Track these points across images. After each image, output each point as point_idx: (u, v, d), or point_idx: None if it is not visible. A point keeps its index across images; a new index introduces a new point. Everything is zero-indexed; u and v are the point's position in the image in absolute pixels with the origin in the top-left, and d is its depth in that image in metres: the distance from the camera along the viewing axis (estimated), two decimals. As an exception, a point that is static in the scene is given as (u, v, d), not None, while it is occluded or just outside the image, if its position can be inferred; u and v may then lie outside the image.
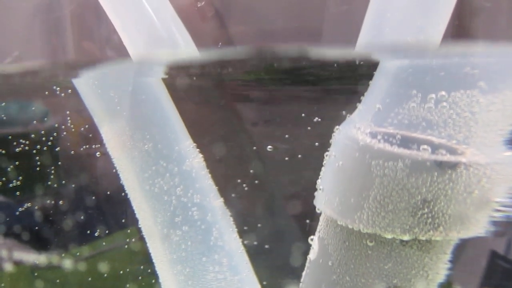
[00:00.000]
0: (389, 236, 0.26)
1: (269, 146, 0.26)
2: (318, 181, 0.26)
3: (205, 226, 0.26)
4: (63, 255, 0.29)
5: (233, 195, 0.26)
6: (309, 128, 0.25)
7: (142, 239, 0.27)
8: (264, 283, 0.27)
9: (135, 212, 0.27)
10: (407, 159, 0.24)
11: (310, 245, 0.27)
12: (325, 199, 0.26)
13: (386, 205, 0.25)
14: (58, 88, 0.28)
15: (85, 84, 0.27)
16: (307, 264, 0.27)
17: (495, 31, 0.27)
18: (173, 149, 0.26)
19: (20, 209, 0.29)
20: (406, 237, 0.26)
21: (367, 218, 0.25)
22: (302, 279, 0.27)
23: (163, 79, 0.27)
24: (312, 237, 0.27)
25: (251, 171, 0.26)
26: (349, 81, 0.26)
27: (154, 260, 0.27)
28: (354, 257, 0.26)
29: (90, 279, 0.29)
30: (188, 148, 0.26)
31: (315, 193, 0.26)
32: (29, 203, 0.29)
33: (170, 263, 0.27)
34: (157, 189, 0.26)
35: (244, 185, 0.26)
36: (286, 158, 0.26)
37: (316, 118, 0.25)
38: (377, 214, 0.25)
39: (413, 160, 0.24)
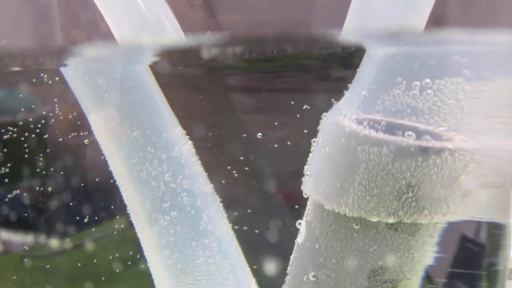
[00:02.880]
0: (374, 219, 0.26)
1: (259, 134, 0.26)
2: (306, 167, 0.26)
3: (195, 212, 0.27)
4: (52, 242, 0.29)
5: (223, 181, 0.27)
6: (298, 115, 0.26)
7: (131, 225, 0.27)
8: (254, 267, 0.27)
9: (124, 198, 0.27)
10: (392, 144, 0.25)
11: (298, 229, 0.27)
12: (312, 184, 0.26)
13: (371, 190, 0.26)
14: (45, 76, 0.28)
15: (72, 71, 0.27)
16: (295, 248, 0.27)
17: (476, 18, 0.28)
18: (161, 136, 0.26)
19: (8, 196, 0.29)
20: (391, 220, 0.26)
21: (352, 202, 0.26)
22: (290, 263, 0.28)
23: (151, 66, 0.27)
24: (300, 221, 0.27)
25: (241, 158, 0.26)
26: (338, 69, 0.26)
27: (142, 245, 0.27)
28: (340, 240, 0.27)
29: (79, 264, 0.29)
30: (177, 135, 0.27)
31: (303, 179, 0.26)
32: (18, 191, 0.29)
33: (158, 248, 0.27)
34: (144, 175, 0.26)
35: (234, 171, 0.26)
36: (276, 145, 0.26)
37: (305, 105, 0.25)
38: (362, 198, 0.26)
39: (397, 146, 0.25)
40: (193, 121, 0.27)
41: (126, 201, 0.27)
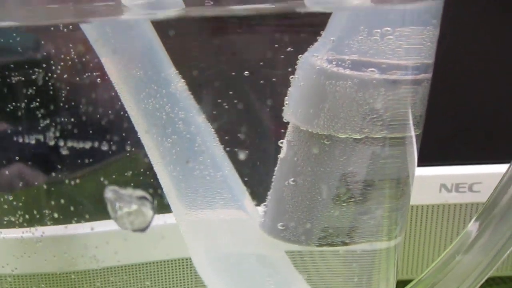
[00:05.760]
0: (342, 136, 0.32)
1: (246, 72, 0.31)
2: (286, 97, 0.31)
3: (190, 136, 0.32)
4: (72, 174, 0.34)
5: (214, 112, 0.32)
6: (282, 56, 0.30)
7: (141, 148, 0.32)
8: (245, 179, 0.33)
9: (135, 127, 0.32)
10: (355, 78, 0.30)
11: (280, 147, 0.33)
12: (290, 111, 0.32)
13: (338, 114, 0.31)
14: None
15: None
16: (278, 162, 0.33)
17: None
18: (160, 75, 0.31)
19: (24, 137, 0.33)
20: (357, 136, 0.32)
21: (323, 123, 0.32)
22: (274, 173, 0.33)
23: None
24: (282, 141, 0.33)
25: (230, 92, 0.31)
26: (312, 23, 0.31)
27: (152, 163, 0.33)
28: (314, 153, 0.33)
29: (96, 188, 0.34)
30: (172, 74, 0.31)
31: (283, 107, 0.32)
32: (33, 131, 0.33)
33: (164, 164, 0.33)
34: (150, 107, 0.31)
35: (224, 104, 0.31)
36: (262, 82, 0.31)
37: (289, 48, 0.30)
38: (331, 120, 0.32)
39: (360, 79, 0.30)
40: (185, 63, 0.31)
41: (136, 129, 0.32)
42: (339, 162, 0.33)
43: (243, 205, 0.35)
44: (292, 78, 0.31)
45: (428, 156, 0.43)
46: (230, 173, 0.34)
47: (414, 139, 0.35)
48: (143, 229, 0.33)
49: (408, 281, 0.42)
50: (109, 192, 0.32)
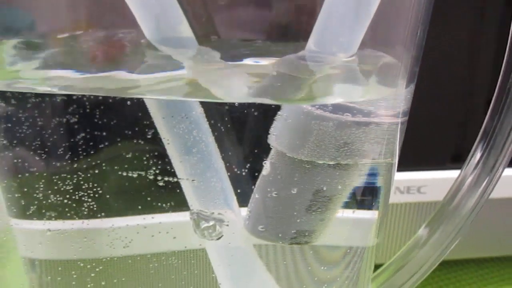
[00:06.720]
0: (320, 162, 0.39)
1: (226, 106, 0.37)
2: (271, 129, 0.38)
3: (208, 155, 0.38)
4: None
5: (215, 133, 0.38)
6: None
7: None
8: (238, 190, 0.40)
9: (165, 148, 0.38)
10: (335, 120, 0.37)
11: (263, 166, 0.39)
12: (276, 140, 0.38)
13: (320, 146, 0.38)
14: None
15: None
16: (260, 178, 0.39)
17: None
18: (185, 103, 0.37)
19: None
20: (332, 162, 0.39)
21: (307, 152, 0.38)
22: (257, 185, 0.40)
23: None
24: (265, 161, 0.39)
25: (219, 124, 0.38)
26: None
27: (177, 174, 0.39)
28: (296, 174, 0.39)
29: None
30: (195, 102, 0.37)
31: (269, 136, 0.38)
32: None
33: (189, 176, 0.39)
34: (181, 131, 0.37)
35: (216, 133, 0.37)
36: (245, 110, 0.38)
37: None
38: (313, 150, 0.38)
39: (338, 121, 0.37)
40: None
41: (166, 147, 0.37)
42: (315, 181, 0.40)
43: (233, 208, 0.41)
44: (279, 113, 0.37)
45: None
46: (226, 186, 0.40)
47: (388, 165, 0.43)
48: (217, 239, 0.41)
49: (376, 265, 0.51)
50: (194, 214, 0.39)
